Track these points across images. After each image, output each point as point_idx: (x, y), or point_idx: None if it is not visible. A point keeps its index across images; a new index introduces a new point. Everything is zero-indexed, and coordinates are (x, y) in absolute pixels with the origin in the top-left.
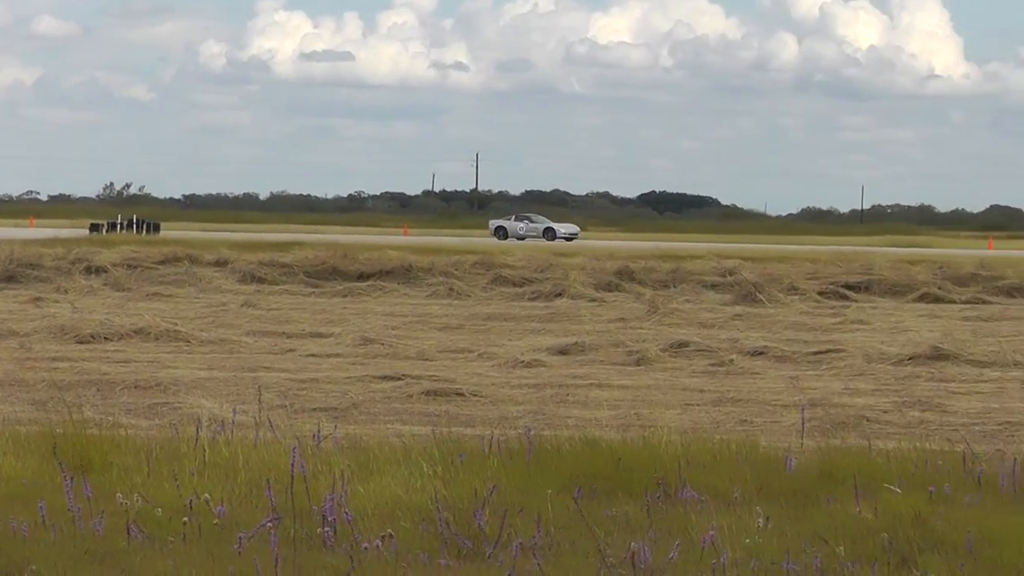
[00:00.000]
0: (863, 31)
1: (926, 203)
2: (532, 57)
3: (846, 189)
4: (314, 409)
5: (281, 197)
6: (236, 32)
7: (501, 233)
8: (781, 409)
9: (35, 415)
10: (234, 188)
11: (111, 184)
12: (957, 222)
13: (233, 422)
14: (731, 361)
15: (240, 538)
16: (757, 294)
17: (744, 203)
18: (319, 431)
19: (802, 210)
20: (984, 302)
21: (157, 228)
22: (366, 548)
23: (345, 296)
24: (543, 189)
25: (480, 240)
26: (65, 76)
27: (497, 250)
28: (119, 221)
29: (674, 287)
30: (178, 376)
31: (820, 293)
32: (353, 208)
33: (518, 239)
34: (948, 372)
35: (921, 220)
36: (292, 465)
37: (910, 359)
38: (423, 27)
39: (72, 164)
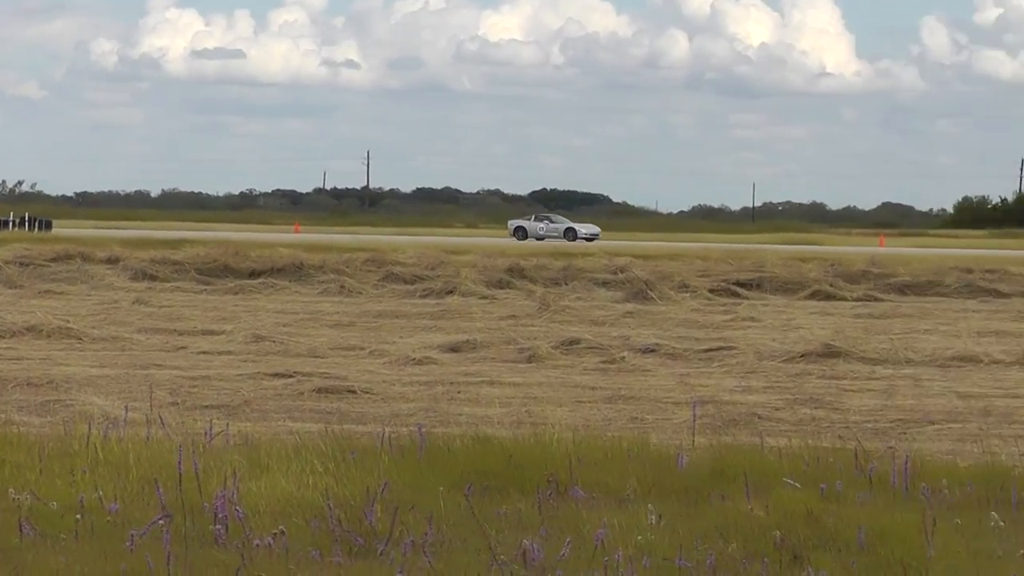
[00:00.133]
0: (754, 29)
1: (817, 201)
2: (423, 55)
3: (737, 187)
4: (206, 406)
5: (173, 195)
6: (127, 30)
7: (520, 233)
8: (672, 406)
9: None
10: (126, 186)
11: (3, 182)
12: (848, 219)
13: (125, 419)
14: (622, 358)
15: (132, 535)
16: (648, 291)
17: (635, 201)
18: (211, 428)
19: (693, 208)
20: (875, 299)
21: (49, 226)
22: (258, 545)
23: (236, 293)
24: (434, 187)
25: (370, 237)
26: None
27: (388, 247)
28: (11, 219)
29: (565, 284)
30: (70, 373)
31: (711, 291)
32: (245, 205)
33: (537, 239)
34: (840, 369)
35: (812, 218)
36: (179, 463)
37: (802, 356)
38: (314, 25)
39: None
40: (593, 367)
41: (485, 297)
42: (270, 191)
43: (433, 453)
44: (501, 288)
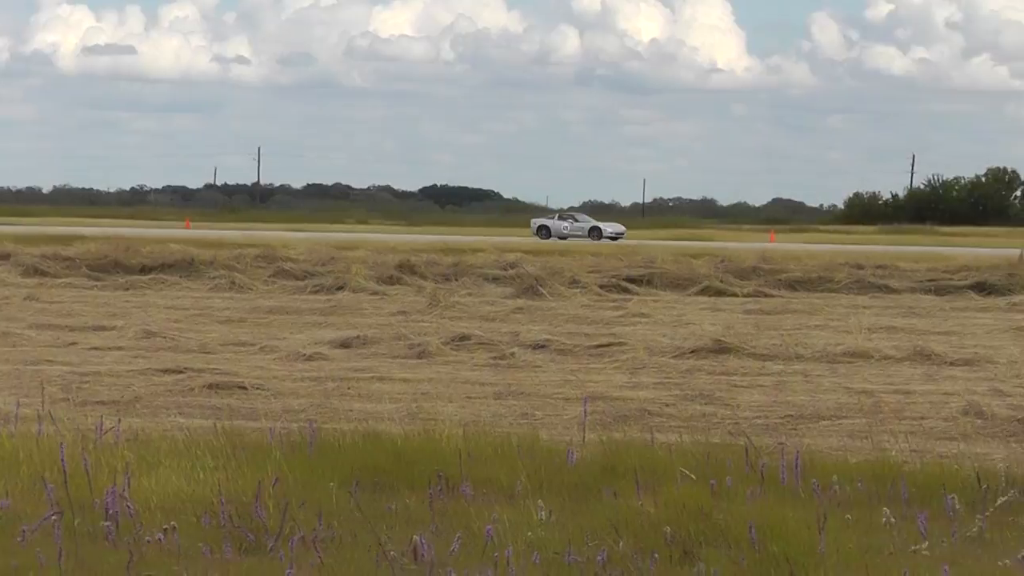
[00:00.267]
0: (645, 25)
1: (708, 197)
2: (314, 51)
3: (628, 183)
4: (97, 402)
5: (64, 191)
6: (18, 26)
7: (544, 232)
8: (563, 402)
9: None
10: (17, 181)
11: None
12: (739, 215)
13: (16, 415)
14: (512, 354)
15: (24, 531)
16: (539, 287)
17: (526, 197)
18: (102, 424)
19: (584, 203)
20: (766, 295)
21: None
22: (148, 541)
23: (127, 289)
24: (325, 183)
25: (261, 233)
26: None
27: (279, 243)
28: None
29: (456, 280)
30: None
31: (602, 286)
32: (136, 201)
33: (560, 238)
34: (730, 365)
35: (703, 213)
36: (63, 459)
37: (692, 352)
38: (205, 21)
39: None
40: (483, 363)
41: (376, 293)
42: (161, 187)
43: (324, 449)
44: (391, 284)
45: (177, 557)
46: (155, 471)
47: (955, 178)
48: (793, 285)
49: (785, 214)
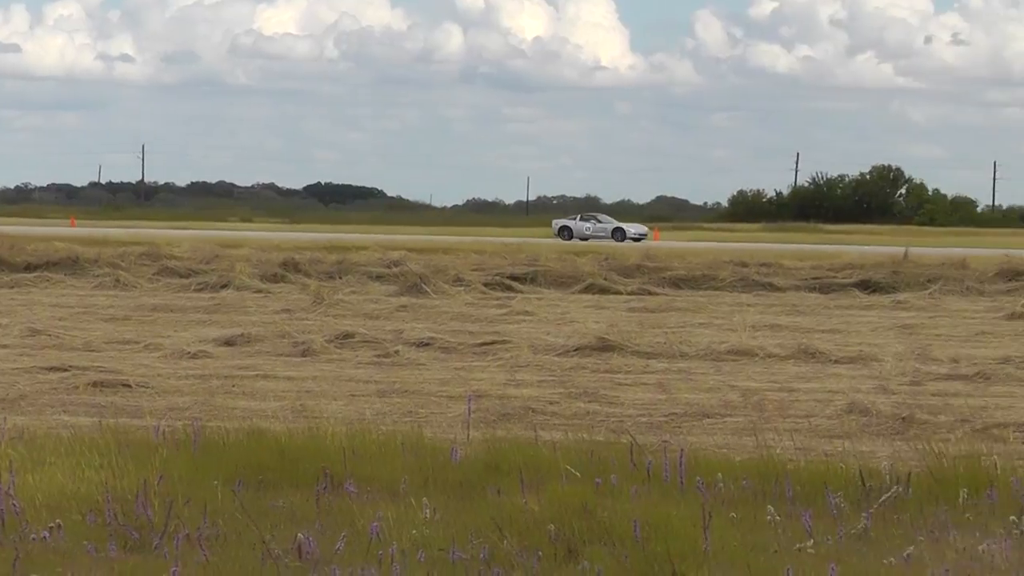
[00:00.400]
0: (528, 22)
1: (592, 194)
2: (198, 49)
3: (512, 181)
4: None
5: None
6: None
7: (566, 233)
8: (447, 400)
9: None
10: None
11: None
12: (623, 213)
13: None
14: (397, 352)
15: None
16: (423, 285)
17: (409, 195)
18: None
19: (468, 201)
20: (650, 293)
21: None
22: (34, 539)
23: (12, 287)
24: (209, 181)
25: (145, 231)
26: None
27: (163, 241)
28: None
29: (340, 278)
30: None
31: (486, 284)
32: (20, 199)
33: (582, 240)
34: (614, 363)
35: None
36: None
37: (576, 350)
38: (90, 19)
39: None
40: (367, 361)
41: (260, 291)
42: (45, 185)
43: (208, 447)
44: (276, 282)
45: (62, 555)
46: (40, 469)
47: (839, 176)
48: (677, 283)
49: (669, 212)
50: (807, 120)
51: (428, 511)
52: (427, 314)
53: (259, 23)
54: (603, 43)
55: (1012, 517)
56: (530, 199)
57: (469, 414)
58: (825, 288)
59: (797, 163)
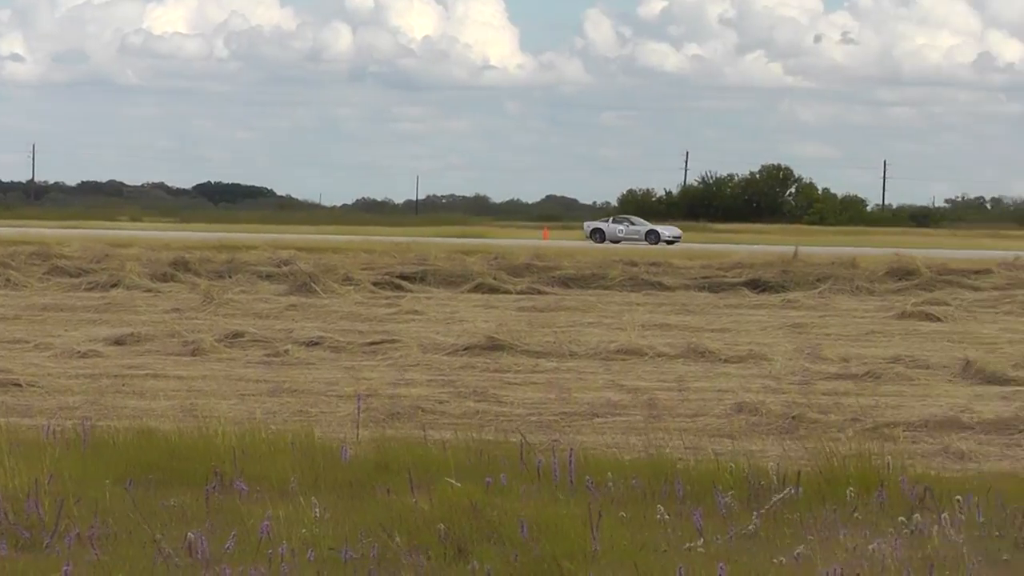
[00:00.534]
0: (418, 21)
1: (481, 193)
2: (87, 48)
3: (401, 179)
4: None
5: None
6: None
7: (598, 236)
8: (337, 400)
9: None
10: None
11: None
12: (512, 212)
13: None
14: (286, 351)
15: None
16: (312, 284)
17: (299, 194)
18: None
19: (357, 201)
20: (539, 292)
21: None
22: None
23: None
24: (99, 180)
25: (35, 230)
26: None
27: (53, 240)
28: None
29: (229, 277)
30: None
31: (375, 283)
32: None
33: (614, 242)
34: (504, 362)
35: (476, 211)
36: None
37: (465, 349)
38: None
39: None
40: (257, 360)
41: (150, 290)
42: None
43: (99, 446)
44: (166, 281)
45: None
46: None
47: (729, 175)
48: (566, 282)
49: (559, 211)
50: (697, 119)
51: (318, 510)
52: (317, 313)
53: (149, 22)
54: (492, 42)
55: (901, 516)
56: (419, 198)
57: (359, 413)
58: (715, 287)
59: (687, 162)
